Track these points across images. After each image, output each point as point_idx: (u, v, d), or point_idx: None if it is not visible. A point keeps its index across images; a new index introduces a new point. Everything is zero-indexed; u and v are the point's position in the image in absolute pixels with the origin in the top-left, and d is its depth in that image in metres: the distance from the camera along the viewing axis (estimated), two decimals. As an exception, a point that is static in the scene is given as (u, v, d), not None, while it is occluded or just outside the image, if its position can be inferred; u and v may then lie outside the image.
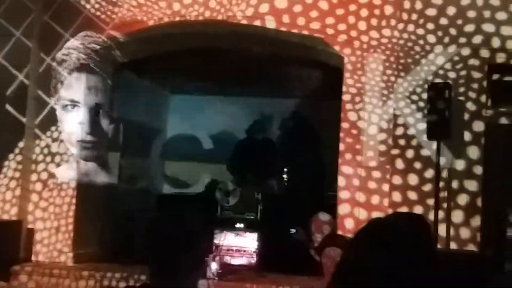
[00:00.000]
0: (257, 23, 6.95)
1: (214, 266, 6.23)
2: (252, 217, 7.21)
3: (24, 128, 7.12)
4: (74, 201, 7.10)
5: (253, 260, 6.99)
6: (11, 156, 7.08)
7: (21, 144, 7.10)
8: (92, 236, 7.30)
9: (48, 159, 7.18)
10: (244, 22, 6.99)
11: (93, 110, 7.30)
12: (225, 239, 6.44)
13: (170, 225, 2.29)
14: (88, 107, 7.27)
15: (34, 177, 7.17)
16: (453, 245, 6.12)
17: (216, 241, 6.58)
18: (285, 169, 8.33)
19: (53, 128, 7.20)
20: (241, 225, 7.17)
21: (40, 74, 7.26)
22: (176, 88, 9.95)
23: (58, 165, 7.15)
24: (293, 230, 5.69)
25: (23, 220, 7.02)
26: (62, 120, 7.18)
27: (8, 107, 7.10)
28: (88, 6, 7.26)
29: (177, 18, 7.15)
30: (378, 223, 2.03)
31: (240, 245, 7.00)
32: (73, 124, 7.20)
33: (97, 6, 7.26)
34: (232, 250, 6.95)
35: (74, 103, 7.22)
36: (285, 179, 8.30)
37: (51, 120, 7.21)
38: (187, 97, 9.95)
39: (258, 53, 7.39)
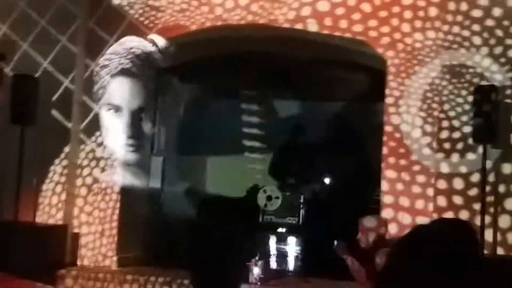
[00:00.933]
0: (299, 26, 6.93)
1: (256, 271, 6.22)
2: (294, 222, 7.18)
3: (70, 133, 7.24)
4: (118, 205, 7.18)
5: (296, 264, 6.96)
6: (57, 161, 7.20)
7: (66, 149, 7.22)
8: (136, 240, 7.37)
9: (93, 163, 7.28)
10: (286, 25, 6.98)
11: (135, 113, 7.37)
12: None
13: (212, 229, 2.29)
14: (130, 111, 7.35)
15: (79, 181, 7.27)
16: (500, 251, 5.98)
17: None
18: (327, 173, 8.27)
19: (97, 133, 7.30)
20: (283, 230, 7.15)
21: (85, 80, 7.37)
22: (219, 92, 9.98)
23: (102, 169, 7.24)
24: (336, 243, 5.55)
25: (69, 224, 7.13)
26: (105, 125, 7.27)
27: (54, 112, 7.23)
28: (132, 11, 7.35)
29: (220, 23, 7.18)
30: (423, 230, 1.99)
31: (282, 249, 6.98)
32: (117, 128, 7.29)
33: (140, 11, 7.35)
34: (274, 254, 6.94)
35: (117, 107, 7.30)
36: (328, 183, 8.25)
37: (96, 125, 7.31)
38: (230, 101, 9.97)
39: (300, 56, 7.37)
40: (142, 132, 7.47)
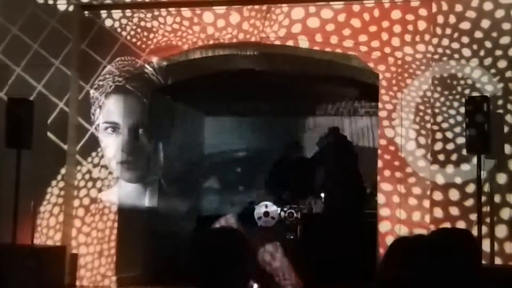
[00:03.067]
0: (290, 43, 7.00)
1: (255, 286, 6.23)
2: (291, 237, 7.21)
3: (66, 155, 7.26)
4: (115, 225, 7.20)
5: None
6: (53, 182, 7.22)
7: (63, 171, 7.23)
8: (135, 260, 7.38)
9: (90, 184, 7.30)
10: (278, 43, 7.05)
11: (132, 130, 7.42)
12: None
13: (212, 246, 2.32)
14: (127, 127, 7.40)
15: (76, 202, 7.29)
16: (497, 261, 6.04)
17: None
18: (323, 188, 8.31)
19: (93, 154, 7.33)
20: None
21: (80, 102, 7.40)
22: (211, 110, 10.04)
23: (99, 190, 7.26)
24: None
25: (67, 245, 7.13)
26: (102, 144, 7.30)
27: (50, 135, 7.25)
28: (124, 33, 7.40)
29: (211, 42, 7.24)
30: (423, 238, 2.02)
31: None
32: (114, 147, 7.32)
33: (132, 33, 7.40)
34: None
35: (113, 126, 7.35)
36: (324, 198, 8.29)
37: (92, 146, 7.34)
38: (223, 119, 10.03)
39: (292, 72, 7.43)
40: (139, 148, 7.52)
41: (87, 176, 7.32)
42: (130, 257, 7.32)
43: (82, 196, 7.30)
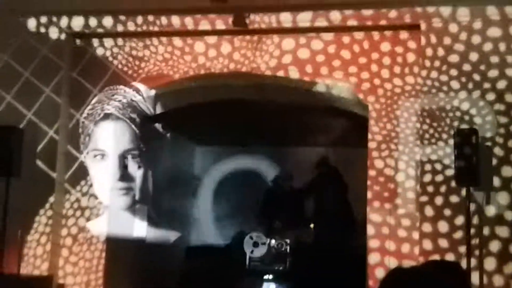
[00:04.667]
0: (281, 73, 7.04)
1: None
2: (281, 268, 7.17)
3: (54, 183, 7.22)
4: (103, 255, 7.14)
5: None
6: (41, 211, 7.16)
7: (51, 199, 7.19)
8: (122, 290, 7.32)
9: (78, 213, 7.25)
10: (268, 73, 7.09)
11: (122, 157, 7.41)
12: None
13: (200, 278, 2.31)
14: (117, 154, 7.38)
15: (64, 231, 7.23)
16: (487, 293, 6.02)
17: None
18: (313, 219, 8.30)
19: (82, 183, 7.29)
20: (270, 277, 7.13)
21: (70, 130, 7.39)
22: (202, 139, 10.04)
23: (87, 219, 7.22)
24: None
25: (54, 275, 7.05)
26: (92, 173, 7.27)
27: (39, 163, 7.22)
28: (115, 62, 7.43)
29: (202, 71, 7.28)
30: (411, 272, 2.02)
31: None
32: (104, 174, 7.30)
33: (124, 61, 7.43)
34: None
35: (102, 153, 7.33)
36: (314, 229, 8.27)
37: (81, 174, 7.31)
38: (213, 148, 10.02)
39: (282, 103, 7.46)
40: (129, 176, 7.50)
41: (75, 205, 7.27)
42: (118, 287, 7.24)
43: (70, 225, 7.24)
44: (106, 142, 7.39)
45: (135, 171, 7.62)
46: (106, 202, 7.25)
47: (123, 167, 7.41)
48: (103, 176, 7.31)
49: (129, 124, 7.49)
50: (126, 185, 7.47)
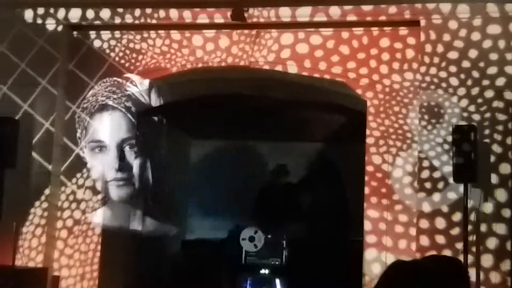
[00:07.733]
0: (279, 68, 7.02)
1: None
2: (277, 263, 7.16)
3: (50, 175, 7.18)
4: (99, 247, 7.11)
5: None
6: (37, 203, 7.13)
7: (47, 191, 7.15)
8: (118, 283, 7.28)
9: (74, 206, 7.22)
10: (266, 67, 7.07)
11: (119, 148, 7.37)
12: None
13: (195, 272, 2.30)
14: (114, 144, 7.34)
15: (59, 224, 7.20)
16: (483, 290, 6.03)
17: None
18: (309, 213, 8.30)
19: (78, 175, 7.26)
20: (266, 271, 7.12)
21: (66, 122, 7.35)
22: (198, 133, 10.01)
23: (83, 211, 7.18)
24: None
25: (49, 267, 7.02)
26: (89, 164, 7.23)
27: (35, 154, 7.18)
28: (112, 54, 7.39)
29: (200, 65, 7.24)
30: (413, 265, 2.01)
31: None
32: (101, 165, 7.25)
33: (121, 54, 7.38)
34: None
35: (100, 145, 7.29)
36: (310, 224, 8.27)
37: (77, 167, 7.27)
38: (209, 142, 9.99)
39: (280, 98, 7.44)
40: (128, 166, 7.46)
41: (71, 197, 7.24)
42: (113, 280, 7.22)
43: (65, 217, 7.21)
44: (103, 133, 7.34)
45: (133, 161, 7.58)
46: (103, 193, 7.20)
47: (121, 157, 7.37)
48: (101, 168, 7.25)
49: (124, 113, 7.43)
50: (125, 176, 7.42)
